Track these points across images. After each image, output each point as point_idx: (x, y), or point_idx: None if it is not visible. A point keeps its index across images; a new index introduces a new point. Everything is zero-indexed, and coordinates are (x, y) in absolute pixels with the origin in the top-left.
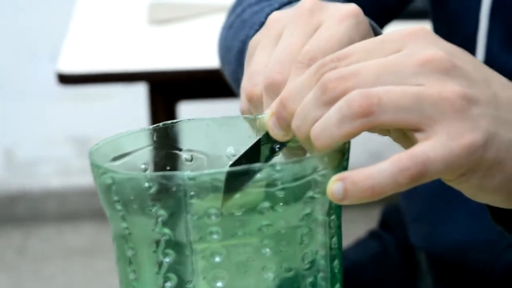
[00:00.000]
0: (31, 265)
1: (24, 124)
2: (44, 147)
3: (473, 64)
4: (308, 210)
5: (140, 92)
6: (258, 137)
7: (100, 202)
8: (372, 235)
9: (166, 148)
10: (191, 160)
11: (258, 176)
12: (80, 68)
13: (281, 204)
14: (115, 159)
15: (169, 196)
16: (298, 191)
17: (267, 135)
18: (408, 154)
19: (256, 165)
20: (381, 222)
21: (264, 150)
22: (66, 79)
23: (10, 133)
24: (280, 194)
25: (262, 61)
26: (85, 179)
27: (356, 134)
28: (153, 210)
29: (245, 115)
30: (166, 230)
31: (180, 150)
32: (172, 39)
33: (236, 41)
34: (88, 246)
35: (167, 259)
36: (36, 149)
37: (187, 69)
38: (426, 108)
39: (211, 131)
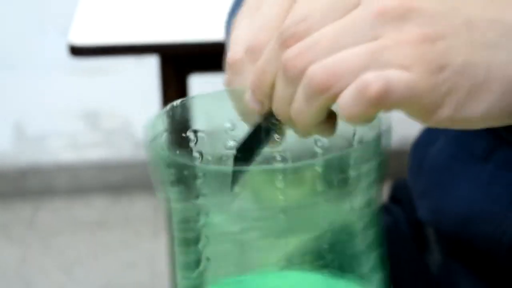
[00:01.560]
0: (40, 238)
1: (34, 98)
2: (54, 121)
3: None
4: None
5: (151, 66)
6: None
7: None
8: (383, 208)
9: (175, 130)
10: (196, 142)
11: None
12: (92, 40)
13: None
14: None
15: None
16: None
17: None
18: (373, 73)
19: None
20: (391, 196)
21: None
22: (78, 51)
23: (20, 107)
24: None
25: (243, 29)
26: (95, 153)
27: (326, 108)
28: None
29: (235, 88)
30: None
31: (186, 130)
32: (184, 11)
33: (234, 17)
34: (98, 220)
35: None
36: (46, 123)
37: (199, 42)
38: (385, 57)
39: (204, 107)
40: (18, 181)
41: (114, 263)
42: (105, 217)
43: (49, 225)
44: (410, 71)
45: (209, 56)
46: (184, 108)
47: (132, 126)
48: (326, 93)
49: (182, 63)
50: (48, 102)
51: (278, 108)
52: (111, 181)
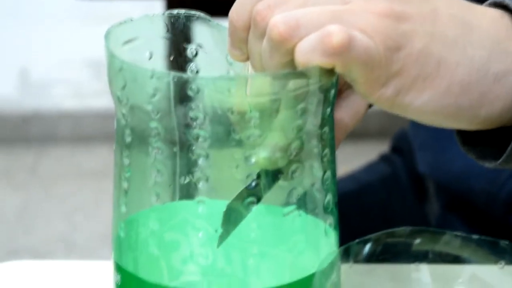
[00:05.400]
0: (42, 185)
1: (40, 45)
2: (59, 68)
3: None
4: (300, 122)
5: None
6: None
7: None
8: (383, 158)
9: (175, 38)
10: (196, 55)
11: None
12: None
13: (273, 115)
14: (126, 42)
15: (164, 94)
16: (291, 102)
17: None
18: (338, 26)
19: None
20: (392, 146)
21: None
22: None
23: (25, 53)
24: (273, 104)
25: None
26: (99, 102)
27: (289, 61)
28: (150, 105)
29: None
30: (157, 124)
31: (189, 43)
32: None
33: None
34: (100, 169)
35: (158, 153)
36: (51, 70)
37: None
38: (348, 19)
39: (221, 37)
40: (21, 127)
41: None
42: (108, 166)
43: (52, 172)
44: (370, 39)
45: (216, 0)
46: (189, 21)
47: None
48: (287, 44)
49: (188, 7)
50: (54, 49)
51: (253, 63)
52: (113, 130)
